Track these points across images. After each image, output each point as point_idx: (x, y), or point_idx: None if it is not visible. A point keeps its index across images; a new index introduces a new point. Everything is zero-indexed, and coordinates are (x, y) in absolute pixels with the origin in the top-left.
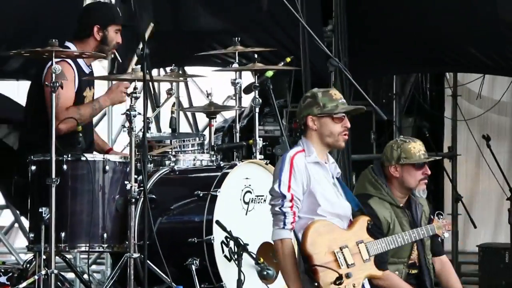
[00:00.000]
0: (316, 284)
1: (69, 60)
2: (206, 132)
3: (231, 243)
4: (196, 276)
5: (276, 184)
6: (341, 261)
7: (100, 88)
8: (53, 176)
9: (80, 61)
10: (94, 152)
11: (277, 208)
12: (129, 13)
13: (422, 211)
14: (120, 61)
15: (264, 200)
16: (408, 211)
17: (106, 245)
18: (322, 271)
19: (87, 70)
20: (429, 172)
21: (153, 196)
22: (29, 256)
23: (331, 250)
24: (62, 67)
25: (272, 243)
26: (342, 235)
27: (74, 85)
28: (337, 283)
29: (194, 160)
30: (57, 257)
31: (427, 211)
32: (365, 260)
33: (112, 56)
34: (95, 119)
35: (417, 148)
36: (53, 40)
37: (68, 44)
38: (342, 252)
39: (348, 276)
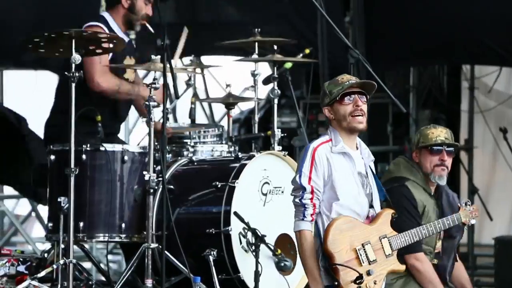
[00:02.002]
0: (336, 283)
1: (101, 25)
2: (223, 123)
3: (249, 234)
4: (213, 267)
5: (297, 175)
6: (362, 258)
7: None
8: (72, 165)
9: (114, 28)
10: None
11: (297, 200)
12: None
13: (453, 200)
14: (153, 32)
15: (282, 192)
16: (439, 201)
17: (124, 235)
18: (343, 270)
19: (125, 38)
20: (445, 158)
21: (171, 186)
22: (46, 245)
23: (353, 247)
24: (97, 31)
25: (291, 234)
26: (364, 230)
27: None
28: (357, 282)
29: (212, 150)
30: (75, 247)
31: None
32: (388, 255)
33: (139, 29)
34: None
35: (436, 133)
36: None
37: (103, 13)
38: (364, 249)
39: (369, 273)
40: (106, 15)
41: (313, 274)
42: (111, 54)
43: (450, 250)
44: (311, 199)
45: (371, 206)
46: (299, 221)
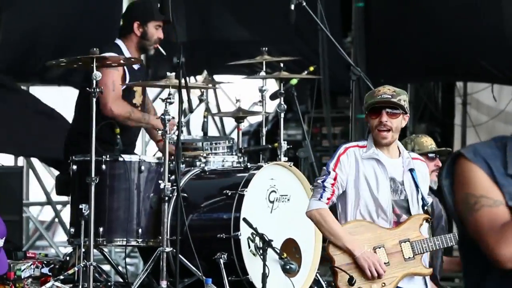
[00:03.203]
0: (333, 284)
1: (115, 55)
2: (234, 135)
3: (257, 239)
4: (224, 270)
5: (327, 165)
6: None
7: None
8: (93, 175)
9: (127, 55)
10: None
11: (319, 181)
12: (168, 23)
13: (440, 206)
14: (165, 54)
15: (288, 200)
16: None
17: (140, 240)
18: (340, 272)
19: (135, 66)
20: (440, 164)
21: (185, 194)
22: (68, 249)
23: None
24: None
25: (296, 239)
26: (381, 234)
27: (125, 77)
28: (350, 283)
29: (223, 161)
30: (95, 250)
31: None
32: (407, 258)
33: (153, 53)
34: None
35: (428, 142)
36: (94, 49)
37: (117, 41)
38: (374, 252)
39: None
40: (119, 42)
41: (345, 238)
42: (127, 81)
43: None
44: (333, 184)
45: (408, 212)
46: (314, 200)
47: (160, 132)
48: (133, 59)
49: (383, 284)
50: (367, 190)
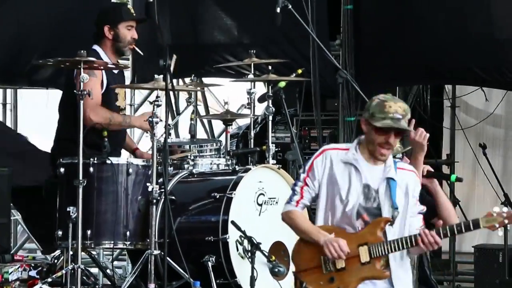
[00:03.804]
0: None
1: (94, 59)
2: (222, 138)
3: (245, 242)
4: (212, 272)
5: (301, 169)
6: (327, 265)
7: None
8: (80, 178)
9: (106, 59)
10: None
11: (293, 184)
12: (153, 26)
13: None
14: (142, 54)
15: (276, 202)
16: None
17: (128, 243)
18: (302, 275)
19: (114, 70)
20: (408, 161)
21: (173, 197)
22: (56, 252)
23: (320, 255)
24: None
25: (285, 242)
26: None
27: (102, 82)
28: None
29: (211, 164)
30: (83, 253)
31: None
32: (364, 263)
33: (129, 54)
34: None
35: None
36: (81, 51)
37: (95, 47)
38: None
39: (332, 280)
40: (97, 48)
41: (315, 228)
42: (104, 87)
43: None
44: (302, 187)
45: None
46: (285, 203)
47: (148, 134)
48: (120, 65)
49: None
50: (338, 194)
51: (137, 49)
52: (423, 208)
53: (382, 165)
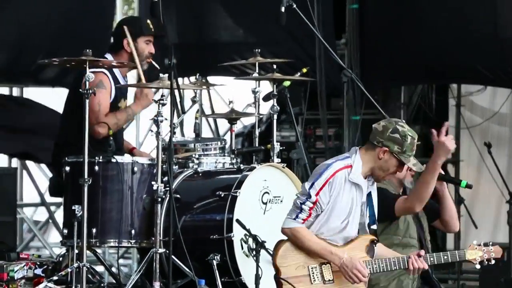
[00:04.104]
0: None
1: (106, 71)
2: (227, 137)
3: (250, 240)
4: (217, 271)
5: (309, 183)
6: (315, 276)
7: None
8: (86, 176)
9: (116, 72)
10: (125, 155)
11: (298, 202)
12: (158, 25)
13: None
14: (159, 68)
15: (281, 201)
16: None
17: (133, 241)
18: (285, 285)
19: (122, 81)
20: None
21: (178, 195)
22: (62, 250)
23: (307, 264)
24: (101, 78)
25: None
26: None
27: (111, 95)
28: None
29: (216, 162)
30: (88, 251)
31: None
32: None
33: (146, 68)
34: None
35: None
36: (87, 50)
37: (107, 55)
38: (320, 268)
39: None
40: (109, 57)
41: (326, 248)
42: (113, 96)
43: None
44: (311, 208)
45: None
46: (290, 220)
47: (153, 133)
48: (125, 63)
49: None
50: (339, 213)
51: (154, 63)
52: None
53: (366, 180)
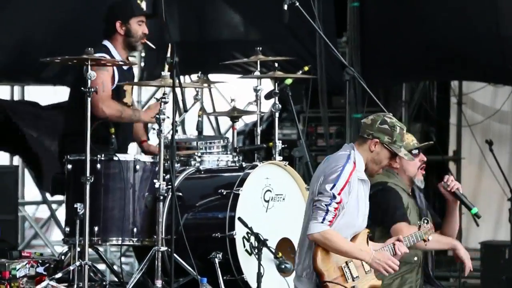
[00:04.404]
0: None
1: (105, 55)
2: (229, 135)
3: (252, 239)
4: (219, 269)
5: (330, 185)
6: (347, 275)
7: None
8: (88, 174)
9: (116, 55)
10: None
11: (323, 204)
12: (161, 24)
13: (424, 199)
14: (154, 47)
15: (283, 199)
16: (415, 199)
17: (135, 239)
18: (332, 287)
19: (124, 66)
20: (425, 159)
21: (180, 193)
22: (64, 248)
23: (339, 265)
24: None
25: (292, 239)
26: None
27: (114, 77)
28: None
29: (218, 160)
30: (90, 250)
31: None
32: (367, 271)
33: (141, 48)
34: None
35: (410, 138)
36: (89, 49)
37: (105, 42)
38: (348, 266)
39: None
40: (107, 43)
41: (356, 247)
42: (115, 83)
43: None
44: (336, 208)
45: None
46: (316, 224)
47: (155, 131)
48: (127, 62)
49: None
50: (354, 210)
51: (148, 42)
52: None
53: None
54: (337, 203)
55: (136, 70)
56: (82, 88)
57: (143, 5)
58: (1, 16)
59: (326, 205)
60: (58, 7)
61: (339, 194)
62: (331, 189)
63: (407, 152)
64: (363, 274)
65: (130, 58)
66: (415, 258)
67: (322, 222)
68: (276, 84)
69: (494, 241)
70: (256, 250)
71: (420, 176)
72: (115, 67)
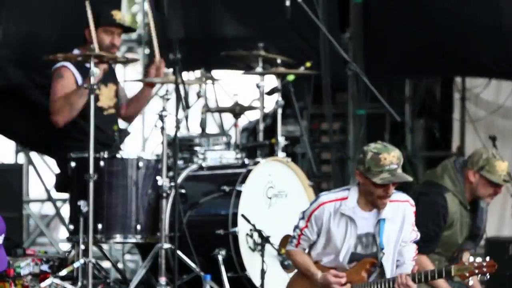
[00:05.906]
0: None
1: (66, 64)
2: (232, 132)
3: (255, 235)
4: (222, 266)
5: (302, 212)
6: None
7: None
8: (91, 172)
9: (74, 70)
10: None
11: (294, 227)
12: (163, 19)
13: (486, 219)
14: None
15: (286, 195)
16: (474, 214)
17: (139, 236)
18: None
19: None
20: (500, 192)
21: (183, 191)
22: (68, 246)
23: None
24: (60, 71)
25: None
26: None
27: (76, 82)
28: None
29: (220, 157)
30: (94, 247)
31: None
32: None
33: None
34: None
35: (502, 167)
36: (92, 46)
37: (75, 51)
38: None
39: None
40: (76, 51)
41: (308, 268)
42: (79, 82)
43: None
44: (299, 236)
45: (380, 265)
46: (289, 242)
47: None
48: (130, 59)
49: None
50: (332, 244)
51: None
52: (417, 236)
53: (373, 211)
54: (300, 230)
55: (139, 68)
56: (85, 86)
57: (125, 18)
58: (8, 12)
59: (293, 229)
60: (65, 5)
61: (304, 223)
62: (301, 217)
63: (387, 176)
64: None
65: (131, 55)
66: (436, 262)
67: (290, 243)
68: (279, 80)
69: (499, 237)
70: (259, 247)
71: (488, 201)
72: (76, 73)
